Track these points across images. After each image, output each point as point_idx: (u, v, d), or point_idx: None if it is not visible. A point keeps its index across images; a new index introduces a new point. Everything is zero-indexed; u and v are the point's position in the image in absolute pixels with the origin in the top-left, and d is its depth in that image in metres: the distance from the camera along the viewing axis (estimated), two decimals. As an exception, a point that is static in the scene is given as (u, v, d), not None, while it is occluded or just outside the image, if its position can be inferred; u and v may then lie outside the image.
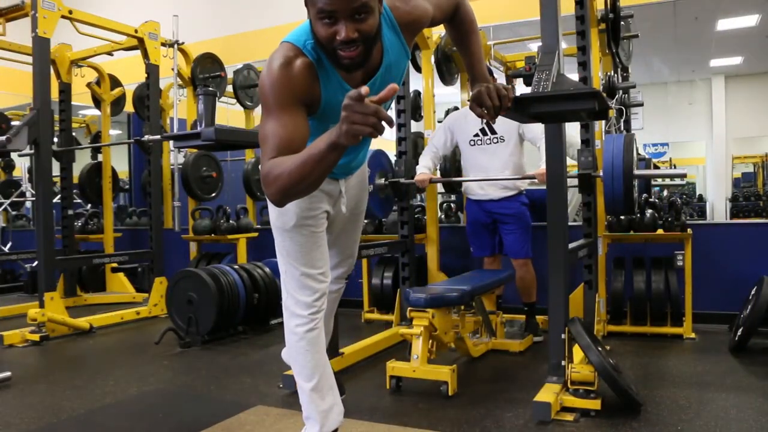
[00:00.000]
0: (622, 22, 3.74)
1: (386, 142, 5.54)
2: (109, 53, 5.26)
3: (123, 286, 5.53)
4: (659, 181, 9.51)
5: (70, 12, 4.31)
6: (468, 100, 1.80)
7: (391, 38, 1.66)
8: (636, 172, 2.71)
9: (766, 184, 11.17)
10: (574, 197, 4.37)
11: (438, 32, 4.33)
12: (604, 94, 3.08)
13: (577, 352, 2.58)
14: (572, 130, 3.32)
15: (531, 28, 4.98)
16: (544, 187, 2.72)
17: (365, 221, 2.50)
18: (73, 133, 5.83)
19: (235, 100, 5.61)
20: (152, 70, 4.85)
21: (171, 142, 5.41)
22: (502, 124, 3.39)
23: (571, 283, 2.76)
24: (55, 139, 5.13)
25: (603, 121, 3.65)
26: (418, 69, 4.35)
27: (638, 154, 4.73)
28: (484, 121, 2.03)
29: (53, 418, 2.49)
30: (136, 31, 4.79)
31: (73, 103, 5.54)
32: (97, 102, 5.88)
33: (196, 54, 5.27)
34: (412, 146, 4.04)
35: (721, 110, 10.38)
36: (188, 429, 2.36)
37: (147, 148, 4.74)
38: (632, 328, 3.75)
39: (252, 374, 3.10)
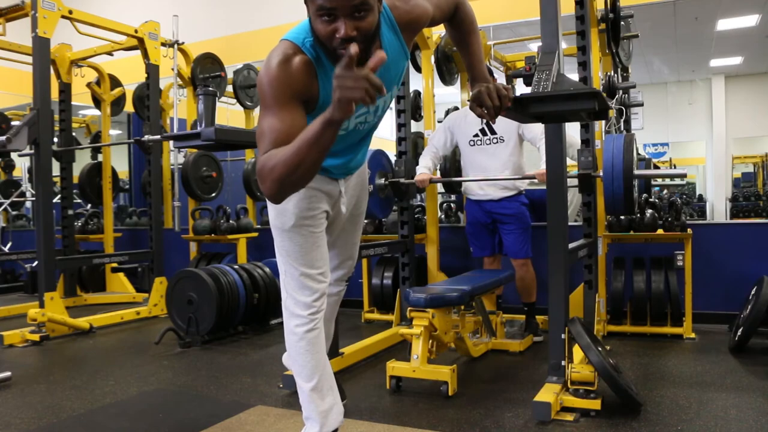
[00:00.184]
0: (622, 22, 3.74)
1: (386, 142, 5.55)
2: (109, 53, 5.26)
3: (123, 286, 5.54)
4: (659, 181, 9.51)
5: (70, 12, 4.31)
6: (468, 100, 1.80)
7: (389, 37, 1.66)
8: (636, 172, 2.71)
9: (766, 184, 11.17)
10: (574, 198, 4.36)
11: (438, 32, 4.33)
12: (604, 94, 3.08)
13: (577, 352, 2.59)
14: (572, 131, 3.31)
15: (531, 28, 4.99)
16: (544, 187, 2.72)
17: (365, 221, 2.49)
18: (73, 133, 5.83)
19: (235, 100, 5.61)
20: (152, 70, 4.86)
21: (171, 142, 5.42)
22: (502, 124, 3.39)
23: (571, 283, 2.76)
24: (55, 139, 5.13)
25: (603, 121, 3.65)
26: (418, 69, 4.36)
27: (638, 154, 4.72)
28: (484, 121, 2.03)
29: (53, 418, 2.49)
30: (136, 31, 4.79)
31: (73, 103, 5.54)
32: (97, 102, 5.88)
33: (196, 54, 5.27)
34: (412, 146, 4.05)
35: (721, 110, 10.39)
36: (188, 429, 2.36)
37: (147, 148, 4.74)
38: (632, 328, 3.75)
39: (252, 374, 3.10)
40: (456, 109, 4.52)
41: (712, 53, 9.37)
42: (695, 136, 11.25)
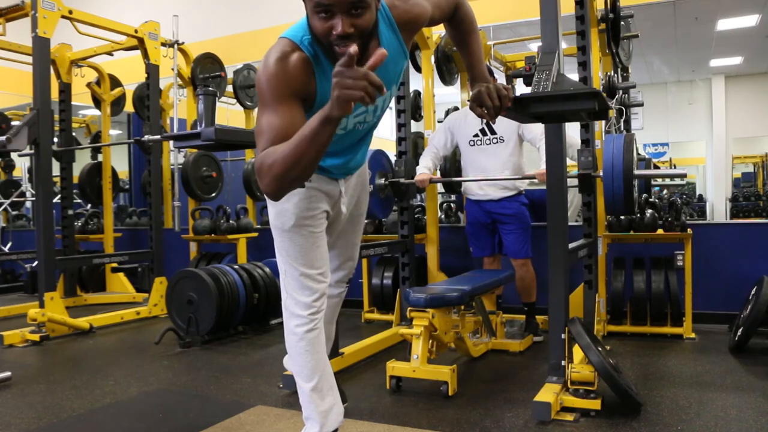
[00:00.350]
0: (622, 22, 3.74)
1: (386, 142, 5.55)
2: (109, 53, 5.26)
3: (123, 286, 5.54)
4: (659, 181, 9.51)
5: (70, 12, 4.31)
6: (468, 100, 1.80)
7: (388, 36, 1.66)
8: (636, 172, 2.71)
9: (766, 184, 11.17)
10: (574, 198, 4.36)
11: (438, 32, 4.33)
12: (604, 94, 3.08)
13: (577, 352, 2.59)
14: (572, 131, 3.31)
15: (531, 28, 5.00)
16: (544, 187, 2.72)
17: (365, 221, 2.49)
18: (73, 133, 5.83)
19: (235, 100, 5.62)
20: (152, 70, 4.85)
21: (171, 142, 5.42)
22: (502, 124, 3.39)
23: (571, 283, 2.76)
24: (55, 139, 5.13)
25: (603, 121, 3.65)
26: (418, 69, 4.36)
27: (638, 154, 4.72)
28: (484, 121, 2.03)
29: (53, 418, 2.49)
30: (136, 31, 4.79)
31: (73, 103, 5.54)
32: (97, 102, 5.88)
33: (196, 54, 5.27)
34: (412, 146, 4.05)
35: (721, 110, 10.38)
36: (188, 429, 2.35)
37: (147, 148, 4.74)
38: (632, 328, 3.75)
39: (252, 374, 3.10)
40: (456, 109, 4.53)
41: (712, 53, 9.37)
42: (695, 136, 11.25)
